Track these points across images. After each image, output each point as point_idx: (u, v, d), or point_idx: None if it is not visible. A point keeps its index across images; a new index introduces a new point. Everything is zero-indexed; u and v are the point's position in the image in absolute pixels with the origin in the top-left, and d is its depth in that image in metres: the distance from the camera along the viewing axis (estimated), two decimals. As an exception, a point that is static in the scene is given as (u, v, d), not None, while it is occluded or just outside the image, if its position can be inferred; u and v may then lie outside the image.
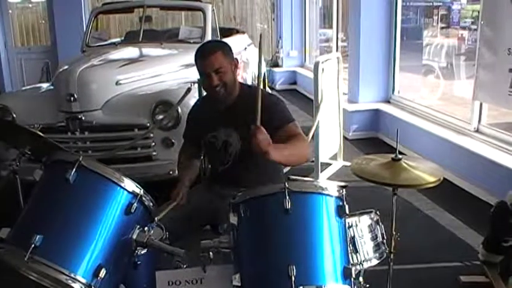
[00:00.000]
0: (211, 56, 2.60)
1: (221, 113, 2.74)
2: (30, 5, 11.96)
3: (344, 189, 1.73)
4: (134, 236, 1.76)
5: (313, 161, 5.35)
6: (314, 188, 1.72)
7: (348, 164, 5.58)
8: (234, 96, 2.71)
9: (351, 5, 7.42)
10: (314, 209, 1.68)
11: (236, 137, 2.68)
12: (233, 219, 1.69)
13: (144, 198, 1.77)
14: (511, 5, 4.29)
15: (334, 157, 5.79)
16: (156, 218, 1.91)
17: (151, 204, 1.82)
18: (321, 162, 5.34)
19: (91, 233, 1.67)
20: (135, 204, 1.74)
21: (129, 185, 1.75)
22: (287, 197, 1.62)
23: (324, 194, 1.70)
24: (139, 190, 1.76)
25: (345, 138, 6.23)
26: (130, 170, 4.56)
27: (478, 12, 5.79)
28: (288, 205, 1.62)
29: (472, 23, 8.10)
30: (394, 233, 2.50)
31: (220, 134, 2.71)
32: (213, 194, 2.76)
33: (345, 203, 1.72)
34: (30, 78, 9.95)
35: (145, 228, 1.81)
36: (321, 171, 5.33)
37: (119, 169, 4.19)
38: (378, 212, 2.27)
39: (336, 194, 1.72)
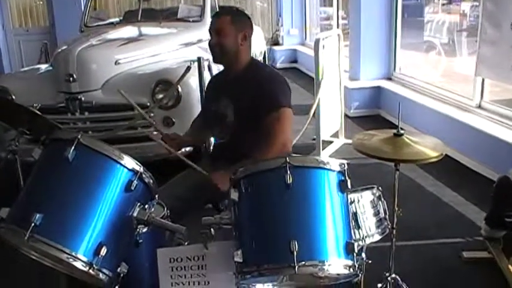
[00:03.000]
0: (219, 17, 2.69)
1: (225, 85, 2.79)
2: (27, -14, 11.86)
3: (346, 164, 1.71)
4: (135, 214, 1.74)
5: (314, 139, 5.34)
6: (316, 162, 1.70)
7: (349, 141, 5.57)
8: (239, 68, 2.72)
9: (351, -18, 7.34)
10: (316, 184, 1.65)
11: (231, 109, 2.69)
12: (234, 195, 1.67)
13: (144, 176, 1.75)
14: (513, -21, 4.24)
15: (336, 135, 5.77)
16: (156, 196, 1.89)
17: (151, 181, 1.80)
18: (322, 140, 5.33)
19: (91, 211, 1.65)
20: (135, 181, 1.71)
21: (129, 162, 1.72)
22: (288, 172, 1.60)
23: (325, 169, 1.68)
24: (139, 167, 1.74)
25: (346, 115, 6.20)
26: (131, 150, 4.46)
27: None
28: (290, 180, 1.59)
29: (474, -1, 8.02)
30: (396, 208, 2.49)
31: (221, 105, 2.73)
32: (214, 170, 2.75)
33: (347, 177, 1.70)
34: (29, 59, 9.88)
35: (146, 206, 1.79)
36: (323, 149, 5.32)
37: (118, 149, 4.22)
38: (380, 188, 2.25)
39: (338, 168, 1.70)
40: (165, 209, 2.26)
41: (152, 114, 4.48)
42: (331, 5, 9.59)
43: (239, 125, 2.68)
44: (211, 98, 2.92)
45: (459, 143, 4.95)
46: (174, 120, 4.48)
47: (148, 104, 4.45)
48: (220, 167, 2.50)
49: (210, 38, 2.68)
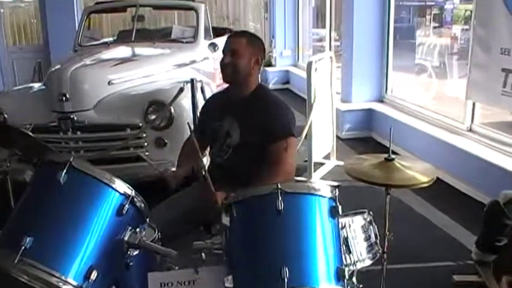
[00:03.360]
0: (235, 38, 2.74)
1: (230, 105, 2.78)
2: (22, 4, 11.89)
3: (337, 190, 1.72)
4: (126, 238, 1.74)
5: (306, 161, 5.35)
6: (307, 188, 1.71)
7: (341, 163, 5.59)
8: (247, 92, 2.75)
9: (344, 5, 7.41)
10: (307, 210, 1.67)
11: (237, 130, 2.70)
12: (225, 220, 1.68)
13: (135, 199, 1.76)
14: (503, 5, 4.29)
15: (327, 157, 5.79)
16: (147, 219, 1.89)
17: (142, 205, 1.80)
18: (314, 162, 5.33)
19: (82, 235, 1.65)
20: (127, 205, 1.72)
21: (121, 186, 1.73)
22: (280, 198, 1.61)
23: (316, 195, 1.69)
24: (130, 191, 1.74)
25: (338, 137, 6.23)
26: (123, 170, 4.52)
27: (471, 11, 5.80)
28: (281, 206, 1.60)
29: (465, 22, 8.12)
30: (387, 232, 2.49)
31: (225, 124, 2.73)
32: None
33: (338, 203, 1.71)
34: (22, 77, 9.86)
35: (137, 230, 1.79)
36: (314, 171, 5.33)
37: (109, 170, 4.22)
38: (371, 213, 2.26)
39: (329, 194, 1.71)
40: (156, 231, 2.26)
41: (144, 135, 4.49)
42: (323, 27, 9.70)
43: (243, 146, 2.68)
44: (212, 115, 2.87)
45: (450, 165, 4.97)
46: (166, 141, 4.48)
47: (141, 124, 4.46)
48: (219, 188, 2.49)
49: (223, 57, 2.70)
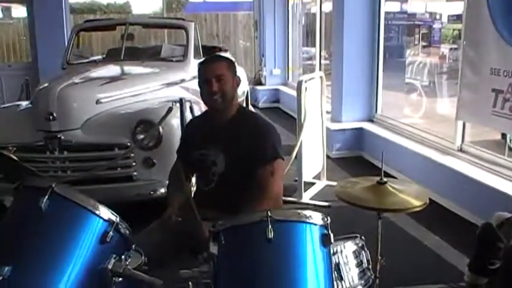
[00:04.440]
0: (216, 63, 2.70)
1: (214, 131, 2.73)
2: (11, 21, 11.86)
3: (329, 218, 1.67)
4: (110, 266, 1.67)
5: (296, 180, 5.30)
6: (298, 216, 1.66)
7: (332, 183, 5.55)
8: (230, 116, 2.71)
9: (333, 24, 7.43)
10: (298, 238, 1.61)
11: (222, 158, 2.64)
12: (213, 248, 1.63)
13: (120, 226, 1.70)
14: (492, 25, 4.30)
15: (318, 176, 5.74)
16: (133, 246, 1.83)
17: (127, 232, 1.74)
18: (304, 182, 5.29)
19: (64, 264, 1.59)
20: (111, 232, 1.66)
21: (105, 212, 1.67)
22: (270, 226, 1.56)
23: (308, 223, 1.64)
24: (115, 218, 1.69)
25: (328, 157, 6.18)
26: (111, 191, 4.49)
27: (459, 31, 5.82)
28: (271, 234, 1.55)
29: (453, 41, 8.17)
30: (379, 257, 2.45)
31: (210, 152, 2.68)
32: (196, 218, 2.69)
33: (329, 231, 1.66)
34: (10, 95, 9.75)
35: (122, 257, 1.73)
36: (304, 191, 5.28)
37: (98, 190, 4.11)
38: (363, 238, 2.21)
39: (321, 222, 1.66)
40: (143, 256, 2.19)
41: (132, 155, 4.43)
42: (314, 45, 9.72)
43: (229, 174, 2.62)
44: (195, 143, 2.81)
45: (441, 186, 4.95)
46: (154, 161, 4.41)
47: (129, 144, 4.40)
48: (206, 215, 2.43)
49: (207, 85, 2.63)
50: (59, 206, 1.62)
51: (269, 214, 1.57)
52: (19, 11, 11.30)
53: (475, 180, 4.55)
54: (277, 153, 2.58)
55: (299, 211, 1.64)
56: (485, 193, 4.39)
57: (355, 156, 6.69)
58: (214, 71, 2.62)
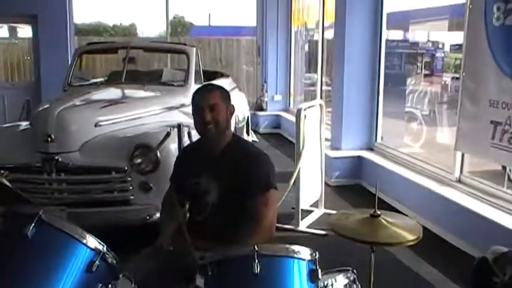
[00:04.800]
0: (209, 92, 2.68)
1: (207, 160, 2.71)
2: (16, 41, 11.95)
3: (317, 253, 1.64)
4: (95, 296, 1.65)
5: (293, 208, 5.27)
6: (285, 251, 1.64)
7: (330, 211, 5.53)
8: (223, 145, 2.70)
9: (335, 52, 7.48)
10: (285, 273, 1.59)
11: (215, 188, 2.62)
12: (199, 281, 1.60)
13: (107, 255, 1.68)
14: (491, 57, 4.32)
15: (316, 204, 5.71)
16: (120, 275, 1.81)
17: (114, 261, 1.72)
18: (301, 210, 5.27)
19: (49, 293, 1.56)
20: (97, 261, 1.65)
21: (91, 241, 1.66)
22: (256, 261, 1.54)
23: (295, 258, 1.62)
24: (101, 247, 1.67)
25: (327, 185, 6.16)
26: (107, 214, 4.48)
27: (461, 60, 5.83)
28: (257, 269, 1.53)
29: (455, 71, 8.19)
30: (372, 291, 2.42)
31: (203, 181, 2.66)
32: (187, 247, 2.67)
33: (317, 266, 1.64)
34: (13, 114, 9.80)
35: (109, 287, 1.71)
36: (302, 219, 5.25)
37: (94, 213, 4.06)
38: (354, 271, 2.18)
39: (309, 257, 1.64)
40: (133, 284, 2.17)
41: (129, 179, 4.42)
42: (316, 72, 9.75)
43: (222, 204, 2.60)
44: (188, 171, 2.79)
45: (439, 217, 4.92)
46: (151, 185, 4.40)
47: (126, 168, 4.39)
48: (199, 246, 2.42)
49: (199, 114, 2.61)
50: (45, 234, 1.61)
51: (256, 249, 1.56)
52: (25, 31, 11.39)
53: (473, 211, 4.52)
54: (270, 183, 2.56)
55: (287, 246, 1.63)
56: (483, 225, 4.35)
57: (354, 185, 6.65)
58: (208, 100, 2.61)
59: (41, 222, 1.60)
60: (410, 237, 2.26)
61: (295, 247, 1.64)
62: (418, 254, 4.51)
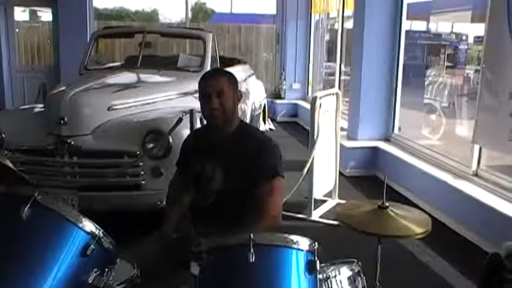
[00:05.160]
0: (216, 78, 2.63)
1: (213, 146, 2.67)
2: (36, 24, 12.02)
3: (317, 244, 1.59)
4: (90, 280, 1.63)
5: (307, 198, 5.22)
6: (282, 240, 1.59)
7: (343, 201, 5.47)
8: (230, 131, 2.66)
9: (353, 41, 7.38)
10: (281, 264, 1.54)
11: (220, 174, 2.58)
12: (194, 269, 1.56)
13: (103, 240, 1.65)
14: (513, 49, 4.21)
15: (329, 194, 5.65)
16: (117, 260, 1.78)
17: (111, 246, 1.69)
18: (315, 199, 5.22)
19: (42, 275, 1.54)
20: (92, 245, 1.61)
21: (88, 225, 1.62)
22: (251, 250, 1.49)
23: (293, 248, 1.57)
24: (97, 231, 1.64)
25: (341, 174, 6.10)
26: (118, 199, 4.48)
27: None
28: (252, 258, 1.49)
29: (478, 63, 8.04)
30: (377, 283, 2.37)
31: (208, 167, 2.62)
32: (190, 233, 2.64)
33: (316, 258, 1.58)
34: (32, 97, 9.93)
35: (105, 272, 1.68)
36: (315, 209, 5.20)
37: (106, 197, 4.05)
38: (359, 263, 2.13)
39: (307, 248, 1.59)
40: (135, 268, 2.15)
41: (141, 164, 4.41)
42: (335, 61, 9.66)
43: (227, 191, 2.55)
44: (194, 156, 2.75)
45: (454, 210, 4.85)
46: (162, 170, 4.37)
47: (138, 152, 4.38)
48: (203, 232, 2.39)
49: (207, 100, 2.57)
50: (40, 216, 1.58)
51: (252, 237, 1.51)
52: (46, 15, 11.45)
53: (488, 206, 4.43)
54: (276, 171, 2.51)
55: (285, 235, 1.58)
56: (497, 220, 4.27)
57: (370, 176, 6.57)
58: (215, 86, 2.56)
59: (36, 204, 1.57)
60: (418, 230, 2.19)
61: (294, 237, 1.59)
62: (430, 247, 4.44)
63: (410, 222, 2.24)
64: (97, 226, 1.64)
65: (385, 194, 2.35)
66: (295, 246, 1.57)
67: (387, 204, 2.31)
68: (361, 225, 2.23)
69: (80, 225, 1.61)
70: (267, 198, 2.42)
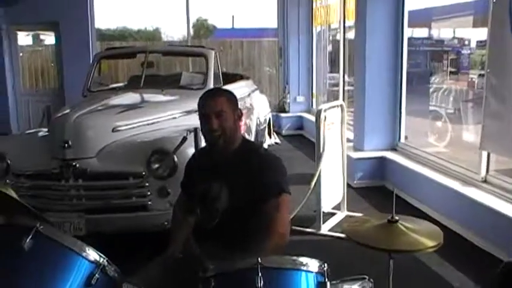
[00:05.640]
0: (215, 98, 2.59)
1: (217, 165, 2.63)
2: (40, 48, 12.09)
3: (326, 264, 1.55)
4: (96, 310, 1.59)
5: (315, 211, 5.18)
6: (291, 263, 1.55)
7: (352, 214, 5.42)
8: (233, 149, 2.63)
9: (356, 52, 7.36)
10: (291, 287, 1.51)
11: (226, 194, 2.55)
12: (202, 294, 1.53)
13: (107, 268, 1.62)
14: (517, 53, 4.18)
15: (338, 207, 5.60)
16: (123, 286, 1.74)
17: (116, 274, 1.66)
18: (323, 212, 5.17)
19: (47, 308, 1.51)
20: (97, 275, 1.58)
21: (91, 253, 1.59)
22: (260, 274, 1.45)
23: (302, 270, 1.53)
24: (102, 259, 1.60)
25: (349, 186, 6.05)
26: (125, 220, 4.45)
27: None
28: (260, 283, 1.45)
29: (482, 68, 8.00)
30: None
31: (213, 187, 2.58)
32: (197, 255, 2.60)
33: (326, 279, 1.54)
34: (36, 120, 9.92)
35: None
36: (324, 222, 5.15)
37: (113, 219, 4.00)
38: (371, 280, 2.08)
39: (317, 269, 1.55)
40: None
41: (147, 184, 4.38)
42: (339, 72, 9.64)
43: (233, 210, 2.52)
44: (198, 176, 2.73)
45: (464, 218, 4.79)
46: (169, 190, 4.34)
47: (144, 173, 4.35)
48: (210, 253, 2.35)
49: (206, 121, 2.54)
50: (43, 246, 1.55)
51: (259, 261, 1.47)
52: (49, 39, 11.52)
53: (499, 213, 4.38)
54: (282, 188, 2.47)
55: (294, 258, 1.54)
56: (509, 226, 4.21)
57: (378, 186, 6.51)
58: (214, 107, 2.53)
59: (38, 234, 1.54)
60: (430, 243, 2.15)
61: (303, 259, 1.55)
62: (442, 256, 4.37)
63: (422, 236, 2.19)
64: (101, 254, 1.61)
65: (394, 207, 2.31)
66: (305, 268, 1.54)
67: (397, 218, 2.26)
68: (370, 241, 2.19)
69: (84, 254, 1.58)
70: (273, 216, 2.38)
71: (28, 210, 2.34)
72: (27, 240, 1.52)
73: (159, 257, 2.60)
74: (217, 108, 2.53)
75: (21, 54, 11.18)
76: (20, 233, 1.55)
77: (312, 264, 1.55)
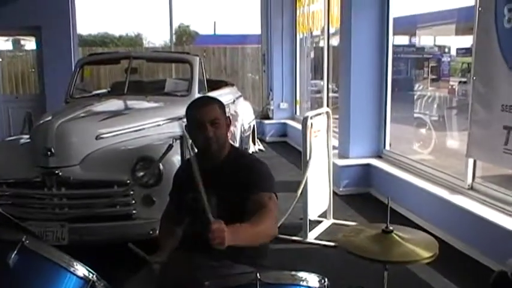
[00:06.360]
0: (209, 106, 2.55)
1: (206, 174, 2.56)
2: (20, 54, 11.91)
3: (327, 280, 1.51)
4: (85, 328, 1.52)
5: (301, 219, 5.13)
6: (290, 278, 1.50)
7: (338, 221, 5.39)
8: (222, 157, 2.60)
9: (341, 58, 7.35)
10: (290, 303, 1.46)
11: (215, 202, 2.49)
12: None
13: (96, 284, 1.55)
14: (503, 60, 4.17)
15: (324, 215, 5.56)
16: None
17: (106, 289, 1.59)
18: (309, 220, 5.12)
19: (33, 326, 1.43)
20: (86, 291, 1.51)
21: (80, 269, 1.52)
22: (258, 290, 1.40)
23: (302, 286, 1.48)
24: (91, 275, 1.54)
25: (335, 194, 6.02)
26: (109, 229, 4.36)
27: (468, 64, 5.69)
28: (258, 299, 1.40)
29: (462, 75, 8.07)
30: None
31: (201, 196, 2.52)
32: (189, 264, 2.53)
33: (326, 294, 1.50)
34: (17, 127, 9.75)
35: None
36: (310, 230, 5.10)
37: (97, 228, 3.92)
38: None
39: (316, 284, 1.50)
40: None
41: (132, 192, 4.30)
42: (322, 78, 9.63)
43: (222, 218, 2.45)
44: (187, 187, 2.64)
45: (452, 226, 4.77)
46: (154, 199, 4.27)
47: (128, 181, 4.27)
48: (199, 263, 2.29)
49: (201, 129, 2.49)
50: (29, 262, 1.48)
51: (258, 277, 1.42)
52: (29, 44, 11.36)
53: (485, 219, 4.38)
54: (268, 189, 2.46)
55: (293, 273, 1.49)
56: (496, 234, 4.21)
57: (363, 193, 6.50)
58: (209, 115, 2.49)
59: (24, 249, 1.47)
60: (426, 254, 2.12)
61: (302, 274, 1.50)
62: (434, 267, 4.33)
63: (417, 246, 2.16)
64: (90, 270, 1.55)
65: (388, 217, 2.27)
66: (304, 283, 1.49)
67: (391, 227, 2.23)
68: (365, 252, 2.14)
69: (72, 269, 1.51)
70: (261, 217, 2.33)
71: (11, 222, 2.26)
72: (12, 255, 1.45)
73: (145, 267, 2.53)
74: (212, 116, 2.49)
75: (0, 59, 11.01)
76: (5, 248, 1.47)
77: (312, 280, 1.50)
